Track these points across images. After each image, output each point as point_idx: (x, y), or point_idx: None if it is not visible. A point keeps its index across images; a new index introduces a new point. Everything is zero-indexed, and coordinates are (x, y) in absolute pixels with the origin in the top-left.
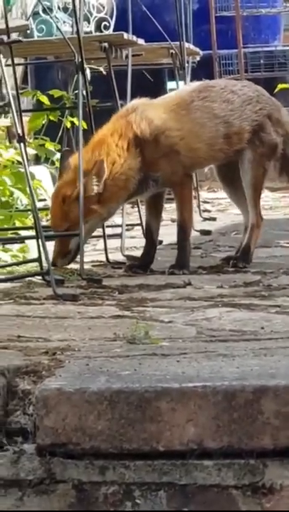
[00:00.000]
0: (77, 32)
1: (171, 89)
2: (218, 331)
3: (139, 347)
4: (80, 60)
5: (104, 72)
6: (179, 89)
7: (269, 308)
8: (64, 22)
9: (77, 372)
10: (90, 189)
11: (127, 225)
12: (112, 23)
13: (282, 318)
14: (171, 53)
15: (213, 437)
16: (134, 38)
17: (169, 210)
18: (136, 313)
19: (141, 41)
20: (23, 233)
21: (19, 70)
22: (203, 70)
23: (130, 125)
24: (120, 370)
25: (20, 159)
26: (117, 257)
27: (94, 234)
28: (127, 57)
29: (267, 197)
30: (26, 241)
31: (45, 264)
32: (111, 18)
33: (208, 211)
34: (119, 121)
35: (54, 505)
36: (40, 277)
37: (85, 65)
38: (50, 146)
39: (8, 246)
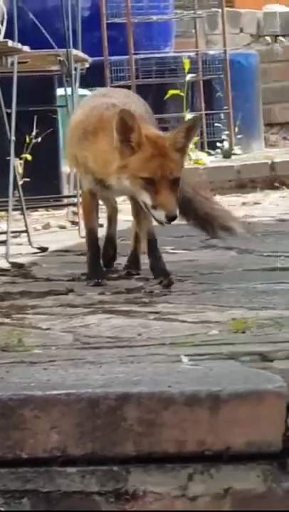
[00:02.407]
0: None
1: (61, 96)
2: (95, 338)
3: (10, 354)
4: None
5: None
6: None
7: (148, 315)
8: None
9: None
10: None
11: (12, 232)
12: (3, 29)
13: (161, 324)
14: (59, 60)
15: (76, 444)
16: (20, 46)
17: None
18: (15, 320)
19: (26, 48)
20: None
21: None
22: (95, 77)
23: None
24: None
25: None
26: (1, 264)
27: None
28: (13, 64)
29: None
30: None
31: None
32: (1, 24)
33: None
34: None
35: None
36: None
37: None
38: None
39: None
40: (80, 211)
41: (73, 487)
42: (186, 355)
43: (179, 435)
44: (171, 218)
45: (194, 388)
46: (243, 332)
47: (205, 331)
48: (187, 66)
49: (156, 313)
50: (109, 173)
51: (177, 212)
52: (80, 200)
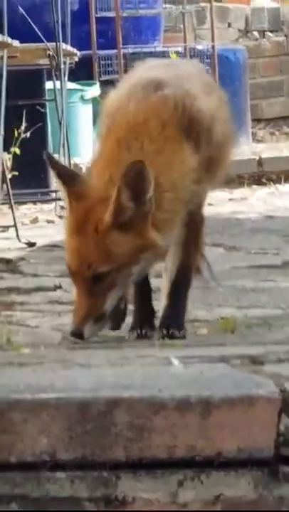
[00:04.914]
0: None
1: (50, 90)
2: None
3: None
4: None
5: None
6: None
7: None
8: None
9: None
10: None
11: (0, 226)
12: None
13: None
14: (48, 54)
15: (66, 448)
16: (9, 40)
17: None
18: (3, 317)
19: (16, 43)
20: None
21: None
22: (84, 70)
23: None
24: None
25: None
26: None
27: None
28: (2, 58)
29: None
30: None
31: None
32: None
33: None
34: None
35: None
36: None
37: None
38: None
39: None
40: None
41: (62, 492)
42: (176, 357)
43: (169, 440)
44: (71, 334)
45: (185, 393)
46: (232, 332)
47: (193, 330)
48: None
49: None
50: None
51: (84, 330)
52: None
